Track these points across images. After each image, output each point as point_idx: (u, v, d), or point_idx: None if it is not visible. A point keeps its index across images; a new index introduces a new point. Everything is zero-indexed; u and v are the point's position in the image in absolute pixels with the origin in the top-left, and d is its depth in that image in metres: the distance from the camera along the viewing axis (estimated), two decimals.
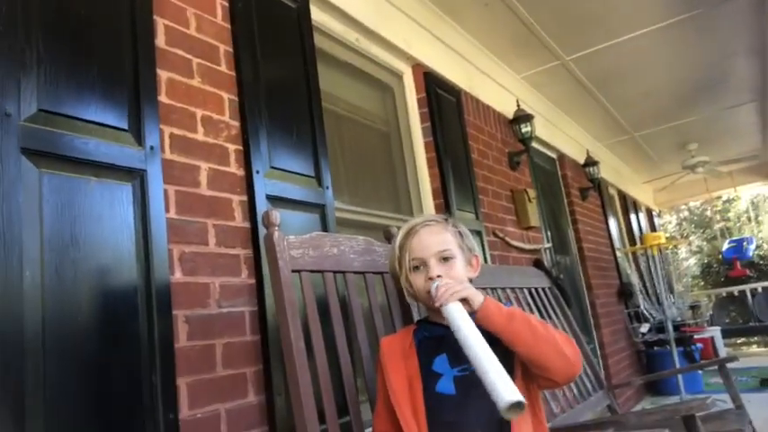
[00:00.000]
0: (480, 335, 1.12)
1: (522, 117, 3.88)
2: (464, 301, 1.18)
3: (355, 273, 1.58)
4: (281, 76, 2.06)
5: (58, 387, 1.16)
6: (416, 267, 1.28)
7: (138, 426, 1.29)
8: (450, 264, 1.27)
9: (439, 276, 1.24)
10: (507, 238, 3.44)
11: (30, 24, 1.29)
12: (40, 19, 1.32)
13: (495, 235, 3.35)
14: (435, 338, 1.27)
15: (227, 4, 1.92)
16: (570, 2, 3.38)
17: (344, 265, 1.55)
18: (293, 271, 1.39)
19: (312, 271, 1.46)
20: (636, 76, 4.67)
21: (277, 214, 1.37)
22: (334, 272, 1.53)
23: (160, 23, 1.65)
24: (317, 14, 2.39)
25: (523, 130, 3.85)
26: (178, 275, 1.50)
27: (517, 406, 1.00)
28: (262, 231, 1.71)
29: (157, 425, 1.32)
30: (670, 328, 5.17)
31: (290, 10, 2.19)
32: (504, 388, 1.01)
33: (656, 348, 5.66)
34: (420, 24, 3.11)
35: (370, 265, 1.63)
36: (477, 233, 3.10)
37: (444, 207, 2.87)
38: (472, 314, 1.16)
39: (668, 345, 5.21)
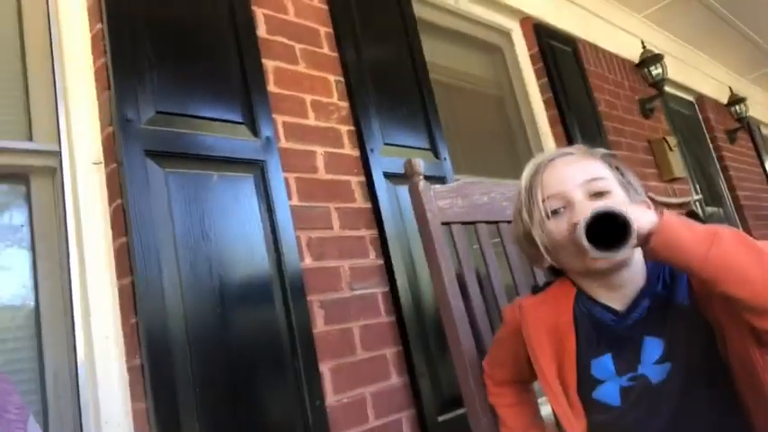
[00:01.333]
0: None
1: (650, 59, 3.50)
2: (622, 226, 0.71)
3: (509, 222, 1.40)
4: (384, 52, 1.98)
5: (205, 380, 1.18)
6: (555, 212, 0.84)
7: (286, 414, 1.28)
8: (607, 200, 0.82)
9: None
10: (651, 194, 3.12)
11: (136, 33, 1.33)
12: (146, 26, 1.35)
13: None
14: (595, 325, 0.88)
15: None
16: None
17: (497, 213, 1.36)
18: (443, 224, 1.27)
19: (464, 223, 1.33)
20: None
21: (419, 161, 1.25)
22: (488, 222, 1.39)
23: (259, 13, 1.64)
24: None
25: (653, 72, 3.48)
26: (308, 261, 1.48)
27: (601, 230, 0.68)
28: (384, 210, 1.66)
29: (305, 412, 1.30)
30: None
31: None
32: None
33: None
34: None
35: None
36: None
37: None
38: (643, 246, 0.74)
39: None
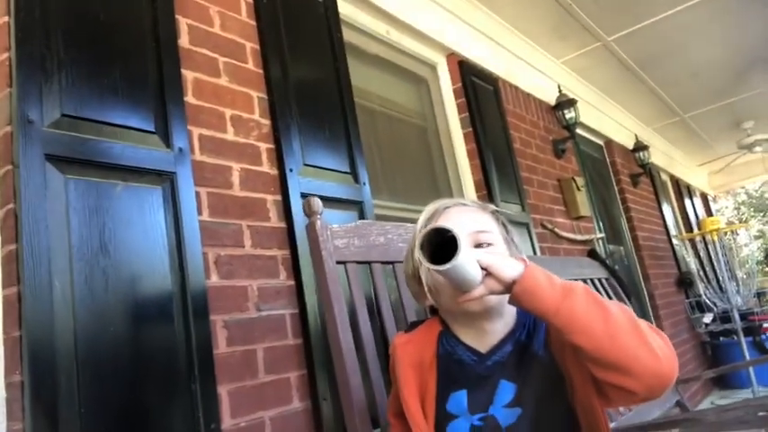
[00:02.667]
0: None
1: (565, 102, 3.72)
2: (490, 276, 0.82)
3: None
4: (311, 73, 1.99)
5: (93, 400, 1.11)
6: None
7: None
8: (489, 252, 0.91)
9: None
10: (557, 230, 3.29)
11: (49, 30, 1.27)
12: (59, 24, 1.29)
13: (544, 226, 3.20)
14: (456, 363, 0.95)
15: (251, 1, 1.87)
16: None
17: (393, 254, 1.43)
18: (338, 262, 1.30)
19: (359, 262, 1.37)
20: (683, 54, 4.41)
21: (318, 201, 1.28)
22: (383, 262, 1.43)
23: (183, 23, 1.61)
24: (345, 7, 2.32)
25: (567, 116, 3.69)
26: (214, 279, 1.45)
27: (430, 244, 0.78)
28: (298, 231, 1.66)
29: None
30: (737, 317, 4.87)
31: (316, 4, 2.12)
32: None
33: (721, 339, 5.35)
34: (452, 12, 3.01)
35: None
36: (524, 225, 2.96)
37: (488, 199, 2.75)
38: (509, 294, 0.83)
39: (735, 335, 4.91)
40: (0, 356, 1.12)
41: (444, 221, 0.93)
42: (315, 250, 1.26)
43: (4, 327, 1.13)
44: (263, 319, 1.53)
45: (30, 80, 1.20)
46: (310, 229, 1.28)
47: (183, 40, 1.59)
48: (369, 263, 1.40)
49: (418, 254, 0.80)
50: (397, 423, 1.03)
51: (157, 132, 1.41)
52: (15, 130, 1.16)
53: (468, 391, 0.92)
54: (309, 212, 1.28)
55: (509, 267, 0.82)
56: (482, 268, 0.83)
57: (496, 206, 2.67)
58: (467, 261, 0.80)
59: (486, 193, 2.78)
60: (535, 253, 2.91)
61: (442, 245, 0.79)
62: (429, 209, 0.99)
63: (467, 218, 0.95)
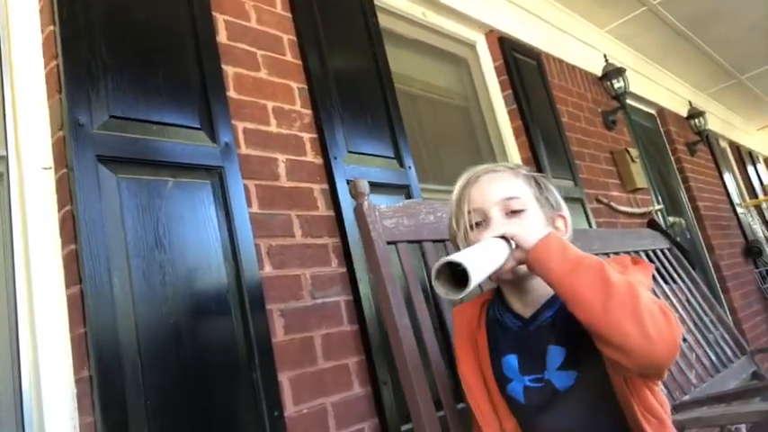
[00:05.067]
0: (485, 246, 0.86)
1: (612, 72, 3.58)
2: (517, 247, 0.88)
3: None
4: (349, 61, 1.98)
5: (158, 391, 1.14)
6: (477, 224, 0.96)
7: (242, 425, 1.25)
8: (521, 218, 0.94)
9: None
10: (612, 203, 3.17)
11: (93, 36, 1.30)
12: (102, 29, 1.32)
13: (599, 201, 3.09)
14: (507, 329, 1.00)
15: None
16: None
17: (444, 233, 1.40)
18: (388, 243, 1.28)
19: (410, 241, 1.35)
20: (735, 10, 4.17)
21: (364, 183, 1.27)
22: (434, 241, 1.41)
23: (220, 19, 1.62)
24: None
25: (616, 85, 3.56)
26: (268, 269, 1.46)
27: (447, 270, 0.81)
28: (347, 217, 1.65)
29: (262, 423, 1.27)
30: None
31: None
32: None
33: None
34: None
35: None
36: (578, 201, 2.87)
37: None
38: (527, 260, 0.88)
39: None
40: (68, 354, 1.16)
41: (476, 191, 0.98)
42: (364, 231, 1.25)
43: (69, 325, 1.17)
44: (318, 306, 1.53)
45: (77, 85, 1.23)
46: (358, 210, 1.26)
47: (222, 37, 1.61)
48: (420, 242, 1.37)
49: (435, 284, 0.84)
50: None
51: (203, 128, 1.43)
52: (67, 134, 1.19)
53: (518, 356, 0.97)
54: (356, 194, 1.27)
55: (530, 237, 0.88)
56: (509, 239, 0.89)
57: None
58: (488, 247, 0.87)
59: (536, 169, 2.70)
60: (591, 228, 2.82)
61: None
62: (463, 177, 1.03)
63: (496, 186, 0.98)
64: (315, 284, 1.55)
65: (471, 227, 0.97)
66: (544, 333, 0.94)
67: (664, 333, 0.76)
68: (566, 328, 0.91)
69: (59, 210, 1.22)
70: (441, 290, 0.83)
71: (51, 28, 1.27)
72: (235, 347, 1.29)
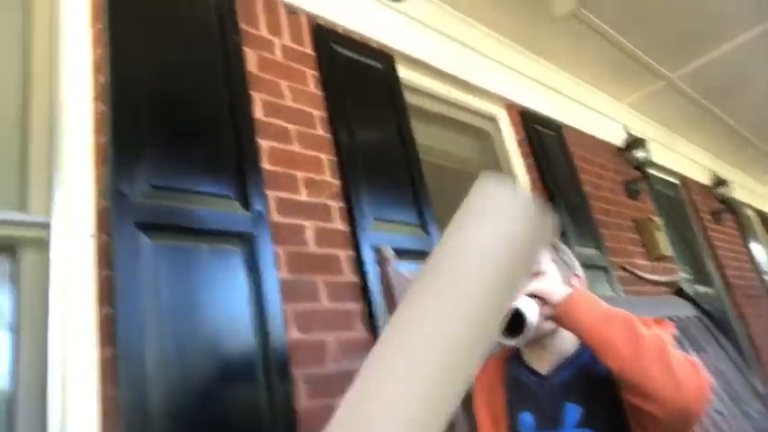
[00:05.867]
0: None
1: (634, 143, 3.65)
2: (542, 302, 0.95)
3: None
4: (376, 134, 2.08)
5: None
6: None
7: None
8: (541, 279, 1.02)
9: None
10: (638, 272, 3.15)
11: (138, 112, 1.41)
12: (147, 106, 1.43)
13: (624, 269, 3.08)
14: (524, 386, 1.05)
15: (317, 74, 2.00)
16: (664, 14, 3.19)
17: None
18: None
19: None
20: (753, 83, 4.24)
21: (390, 250, 1.32)
22: None
23: (257, 98, 1.74)
24: (405, 72, 2.42)
25: (637, 155, 3.62)
26: (294, 334, 1.49)
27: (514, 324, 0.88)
28: (371, 284, 1.69)
29: None
30: None
31: (377, 71, 2.24)
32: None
33: None
34: (509, 66, 3.07)
35: None
36: (603, 269, 2.86)
37: (562, 243, 2.69)
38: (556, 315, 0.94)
39: None
40: (98, 415, 1.19)
41: None
42: (389, 297, 1.28)
43: (101, 385, 1.20)
44: (342, 372, 1.54)
45: (122, 158, 1.33)
46: (384, 276, 1.30)
47: (258, 113, 1.71)
48: None
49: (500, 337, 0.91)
50: None
51: (237, 197, 1.51)
52: (110, 202, 1.27)
53: (533, 411, 1.00)
54: (381, 260, 1.32)
55: (557, 293, 0.94)
56: (534, 296, 0.95)
57: (572, 251, 2.61)
58: (523, 304, 0.93)
59: (560, 238, 2.72)
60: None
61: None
62: None
63: None
64: (340, 350, 1.57)
65: None
66: (561, 390, 0.98)
67: (692, 380, 0.80)
68: (583, 388, 0.95)
69: (99, 274, 1.28)
70: (500, 337, 0.90)
71: (102, 108, 1.38)
72: (259, 412, 1.31)
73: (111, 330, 1.20)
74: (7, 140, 1.36)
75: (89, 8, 1.49)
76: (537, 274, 1.02)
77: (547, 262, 1.06)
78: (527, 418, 1.01)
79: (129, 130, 1.37)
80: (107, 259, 1.26)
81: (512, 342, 0.90)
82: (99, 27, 1.45)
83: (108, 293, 1.23)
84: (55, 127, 1.38)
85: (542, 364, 1.03)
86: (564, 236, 2.73)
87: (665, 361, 0.81)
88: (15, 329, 1.24)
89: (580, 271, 1.11)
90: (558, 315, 0.93)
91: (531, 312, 0.91)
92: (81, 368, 1.20)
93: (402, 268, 1.80)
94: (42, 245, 1.31)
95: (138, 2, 1.53)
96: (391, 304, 1.28)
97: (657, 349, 0.83)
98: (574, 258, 1.13)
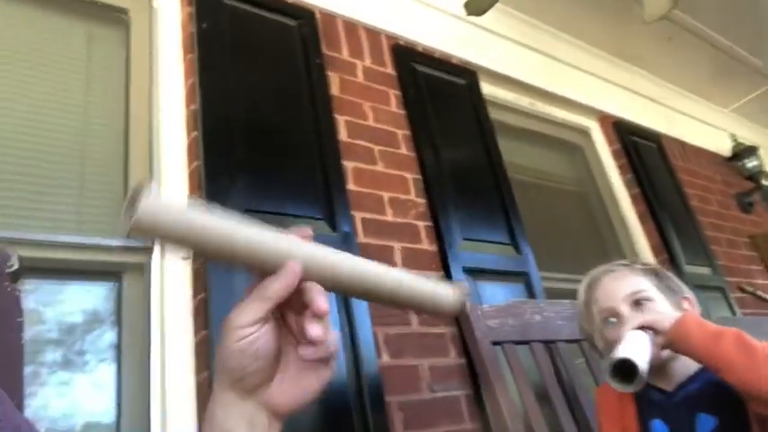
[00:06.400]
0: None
1: (744, 151, 3.35)
2: (654, 332, 0.97)
3: (565, 341, 1.38)
4: (461, 151, 2.02)
5: None
6: (608, 321, 1.05)
7: None
8: (648, 307, 1.02)
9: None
10: (759, 292, 2.84)
11: (230, 138, 1.44)
12: (239, 132, 1.47)
13: (743, 290, 2.79)
14: (653, 400, 1.05)
15: (399, 93, 1.98)
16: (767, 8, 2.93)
17: (552, 333, 1.37)
18: (494, 343, 1.25)
19: (516, 342, 1.30)
20: None
21: (465, 284, 1.27)
22: (542, 341, 1.35)
23: (341, 120, 1.74)
24: (488, 88, 2.36)
25: (749, 165, 3.31)
26: (386, 359, 1.43)
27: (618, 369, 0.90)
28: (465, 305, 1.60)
29: None
30: None
31: (460, 87, 2.20)
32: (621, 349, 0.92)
33: None
34: (598, 76, 2.93)
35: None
36: (719, 289, 2.60)
37: (670, 264, 2.48)
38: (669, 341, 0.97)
39: None
40: None
41: (601, 292, 1.07)
42: (467, 332, 1.23)
43: (197, 410, 1.20)
44: (437, 400, 1.47)
45: (216, 182, 1.35)
46: (461, 311, 1.24)
47: (342, 135, 1.71)
48: (527, 342, 1.31)
49: (609, 380, 0.93)
50: None
51: (325, 219, 1.49)
52: None
53: (666, 421, 1.01)
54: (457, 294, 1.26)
55: (666, 320, 0.97)
56: (647, 328, 0.97)
57: (681, 270, 2.40)
58: (634, 340, 0.95)
59: (668, 257, 2.51)
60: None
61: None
62: (584, 282, 1.14)
63: (619, 284, 1.07)
64: (433, 376, 1.49)
65: (603, 325, 1.06)
66: (691, 402, 0.99)
67: None
68: (714, 400, 0.96)
69: (194, 298, 1.29)
70: (616, 385, 0.92)
71: (195, 134, 1.42)
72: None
73: (206, 354, 1.20)
74: (112, 169, 1.42)
75: (180, 40, 1.56)
76: (645, 302, 1.03)
77: (652, 289, 1.06)
78: (659, 426, 1.02)
79: (220, 155, 1.40)
80: (203, 283, 1.27)
81: (628, 389, 0.91)
82: (191, 57, 1.51)
83: (204, 317, 1.24)
84: (153, 154, 1.43)
85: (667, 383, 1.03)
86: (671, 255, 2.52)
87: None
88: (118, 350, 1.27)
89: (689, 293, 1.11)
90: (670, 341, 0.96)
91: (642, 358, 0.91)
92: (179, 392, 1.21)
93: (494, 290, 1.71)
94: (144, 269, 1.35)
95: (225, 31, 1.58)
96: (472, 340, 1.22)
97: None
98: (680, 282, 1.12)
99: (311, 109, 1.66)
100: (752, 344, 0.88)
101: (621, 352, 0.91)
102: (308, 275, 0.48)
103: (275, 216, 1.40)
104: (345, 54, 1.91)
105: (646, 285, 1.06)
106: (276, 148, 1.53)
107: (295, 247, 0.50)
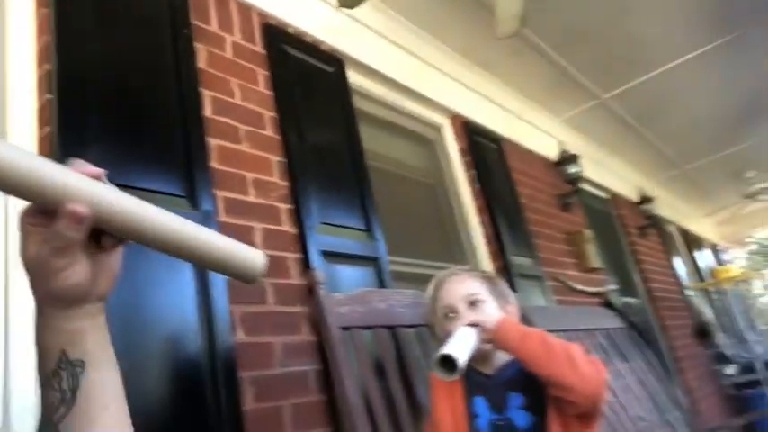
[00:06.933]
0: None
1: (567, 158, 3.82)
2: (480, 329, 1.23)
3: (406, 327, 1.54)
4: (325, 137, 2.10)
5: None
6: (447, 315, 1.30)
7: None
8: (480, 307, 1.29)
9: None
10: (570, 282, 3.31)
11: (85, 103, 1.37)
12: (94, 97, 1.40)
13: (557, 279, 3.22)
14: (477, 381, 1.30)
15: (267, 74, 2.00)
16: (601, 40, 3.38)
17: (394, 319, 1.53)
18: (343, 328, 1.38)
19: (362, 327, 1.44)
20: (679, 108, 4.56)
21: (321, 273, 1.38)
22: (385, 326, 1.50)
23: (207, 96, 1.72)
24: (354, 77, 2.46)
25: (570, 171, 3.79)
26: (241, 336, 1.48)
27: (443, 362, 1.09)
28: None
29: None
30: (761, 366, 4.77)
31: (328, 75, 2.26)
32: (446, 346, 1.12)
33: (749, 390, 5.21)
34: (454, 78, 3.16)
35: (420, 318, 1.58)
36: (537, 278, 2.98)
37: (499, 253, 2.79)
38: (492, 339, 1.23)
39: (760, 385, 4.80)
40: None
41: (444, 292, 1.34)
42: (320, 318, 1.33)
43: None
44: (287, 374, 1.54)
45: (67, 150, 1.28)
46: (314, 298, 1.34)
47: (208, 111, 1.69)
48: (371, 327, 1.45)
49: (435, 369, 1.14)
50: None
51: (186, 196, 1.48)
52: None
53: (485, 397, 1.26)
54: (313, 283, 1.36)
55: (490, 322, 1.24)
56: (475, 325, 1.23)
57: (508, 259, 2.71)
58: (463, 335, 1.19)
59: (498, 247, 2.82)
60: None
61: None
62: (433, 282, 1.38)
63: (458, 287, 1.33)
64: (286, 353, 1.57)
65: (443, 318, 1.31)
66: (506, 383, 1.26)
67: (592, 372, 1.13)
68: (522, 383, 1.22)
69: None
70: (440, 374, 1.11)
71: (48, 96, 1.33)
72: (206, 412, 1.29)
73: None
74: None
75: None
76: (478, 304, 1.29)
77: (485, 293, 1.32)
78: (480, 401, 1.27)
79: (74, 120, 1.33)
80: None
81: (447, 378, 1.12)
82: (45, 12, 1.40)
83: None
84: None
85: (489, 369, 1.31)
86: (501, 246, 2.83)
87: (571, 361, 1.13)
88: None
89: (513, 298, 1.39)
90: (492, 338, 1.23)
91: (463, 353, 1.12)
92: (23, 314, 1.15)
93: (347, 274, 1.82)
94: None
95: None
96: (323, 325, 1.32)
97: (566, 354, 1.14)
98: (508, 290, 1.40)
99: (176, 81, 1.62)
100: (552, 343, 1.17)
101: (446, 348, 1.12)
102: (97, 220, 0.49)
103: (132, 190, 1.36)
104: (215, 26, 1.88)
105: (481, 289, 1.32)
106: (136, 118, 1.48)
107: (84, 185, 0.49)
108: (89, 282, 0.52)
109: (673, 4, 3.20)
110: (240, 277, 0.60)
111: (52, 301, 0.51)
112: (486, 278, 1.38)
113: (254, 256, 0.59)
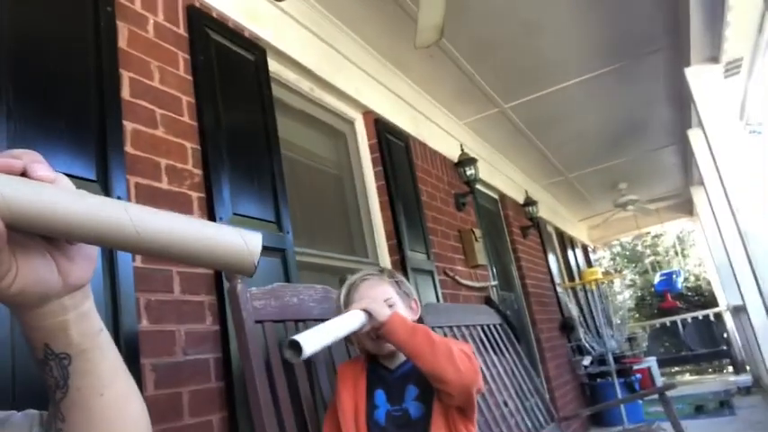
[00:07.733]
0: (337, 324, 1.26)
1: (466, 161, 4.06)
2: (371, 317, 1.33)
3: (315, 320, 1.64)
4: (242, 125, 2.11)
5: None
6: None
7: None
8: (379, 302, 1.39)
9: None
10: (457, 277, 3.56)
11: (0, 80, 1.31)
12: (11, 74, 1.34)
13: (446, 274, 3.45)
14: (379, 375, 1.43)
15: (188, 57, 1.98)
16: (508, 55, 3.62)
17: (305, 313, 1.62)
18: (256, 322, 1.44)
19: (275, 321, 1.51)
20: (568, 122, 4.99)
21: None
22: (296, 320, 1.59)
23: (125, 76, 1.69)
24: (274, 65, 2.48)
25: (468, 172, 4.03)
26: (145, 323, 1.50)
27: (292, 345, 1.13)
28: (225, 276, 1.74)
29: None
30: (611, 359, 5.39)
31: (248, 62, 2.26)
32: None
33: (598, 380, 5.87)
34: (369, 74, 3.26)
35: (328, 312, 1.68)
36: (429, 273, 3.19)
37: (397, 248, 2.96)
38: (380, 330, 1.33)
39: (610, 376, 5.42)
40: None
41: (357, 296, 1.44)
42: (235, 311, 1.39)
43: None
44: (189, 362, 1.59)
45: None
46: (231, 292, 1.40)
47: (125, 92, 1.67)
48: (284, 321, 1.54)
49: (285, 352, 1.18)
50: None
51: (98, 181, 1.47)
52: None
53: (385, 391, 1.39)
54: (230, 276, 1.41)
55: (381, 313, 1.33)
56: (366, 311, 1.33)
57: (405, 254, 2.87)
58: (346, 319, 1.29)
59: (396, 242, 2.98)
60: (438, 298, 3.14)
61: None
62: (346, 285, 1.49)
63: (371, 291, 1.44)
64: (188, 341, 1.61)
65: None
66: (405, 377, 1.40)
67: (468, 368, 1.27)
68: (420, 375, 1.33)
69: None
70: (288, 355, 1.15)
71: None
72: None
73: None
74: None
75: None
76: (389, 306, 1.39)
77: (394, 296, 1.45)
78: (380, 394, 1.39)
79: None
80: None
81: (295, 360, 1.15)
82: None
83: None
84: None
85: (392, 364, 1.44)
86: (399, 241, 3.00)
87: (450, 357, 1.26)
88: None
89: (416, 295, 1.54)
90: (383, 332, 1.32)
91: (313, 344, 1.15)
92: None
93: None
94: None
95: None
96: (239, 320, 1.39)
97: (446, 350, 1.27)
98: (410, 287, 1.54)
99: (95, 59, 1.58)
100: (434, 339, 1.30)
101: (300, 335, 1.15)
102: (13, 221, 0.41)
103: None
104: (138, 4, 1.83)
105: (391, 293, 1.45)
106: (49, 95, 1.44)
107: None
108: (44, 281, 0.47)
109: (575, 30, 3.50)
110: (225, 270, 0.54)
111: (13, 309, 0.47)
112: (394, 282, 1.50)
113: (243, 256, 0.51)
